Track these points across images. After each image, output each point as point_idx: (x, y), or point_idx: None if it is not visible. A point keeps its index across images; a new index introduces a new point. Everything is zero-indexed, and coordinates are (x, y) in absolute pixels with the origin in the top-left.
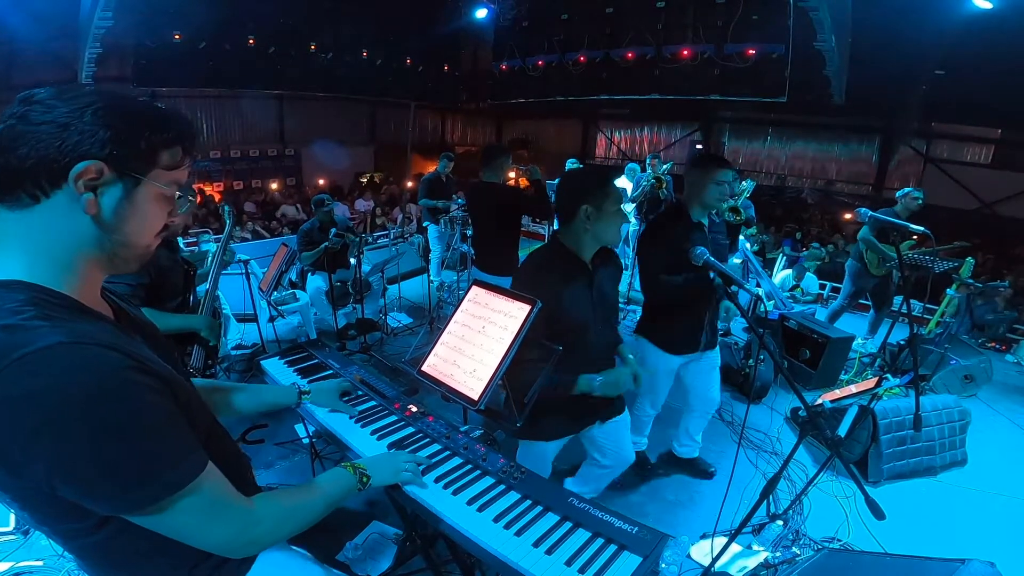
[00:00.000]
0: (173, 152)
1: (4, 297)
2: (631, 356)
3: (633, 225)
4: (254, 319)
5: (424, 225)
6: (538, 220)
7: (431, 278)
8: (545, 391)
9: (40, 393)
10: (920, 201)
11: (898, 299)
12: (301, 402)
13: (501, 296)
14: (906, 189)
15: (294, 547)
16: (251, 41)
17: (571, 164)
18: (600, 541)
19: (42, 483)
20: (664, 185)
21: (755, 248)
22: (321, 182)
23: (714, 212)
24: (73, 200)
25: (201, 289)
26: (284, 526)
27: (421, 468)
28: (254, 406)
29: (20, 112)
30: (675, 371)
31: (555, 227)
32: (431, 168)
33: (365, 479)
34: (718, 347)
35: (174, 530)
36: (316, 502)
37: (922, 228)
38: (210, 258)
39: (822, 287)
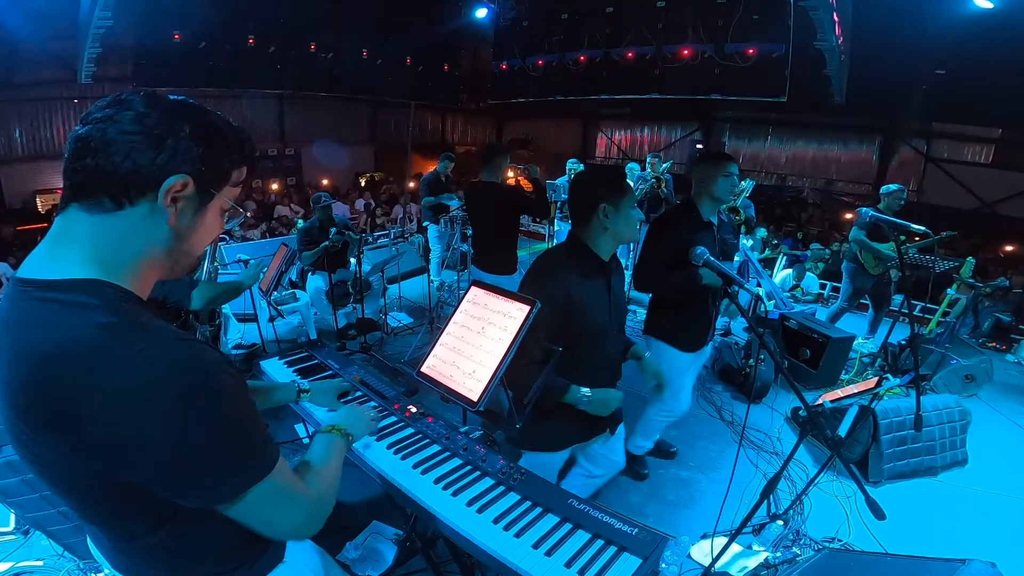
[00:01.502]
0: (241, 171)
1: (86, 294)
2: (648, 354)
3: None
4: (254, 319)
5: (424, 225)
6: (538, 220)
7: (431, 278)
8: (541, 394)
9: (158, 386)
10: (903, 199)
11: (898, 298)
12: (300, 400)
13: (500, 296)
14: (892, 188)
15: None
16: (251, 41)
17: (571, 164)
18: (600, 542)
19: (135, 478)
20: (664, 184)
21: (767, 253)
22: (325, 182)
23: (722, 212)
24: (155, 210)
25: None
26: (331, 500)
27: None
28: (260, 405)
29: (113, 115)
30: (691, 367)
31: (555, 227)
32: (431, 168)
33: (350, 438)
34: (709, 344)
35: (256, 519)
36: (335, 471)
37: (922, 228)
38: (206, 260)
39: (822, 287)
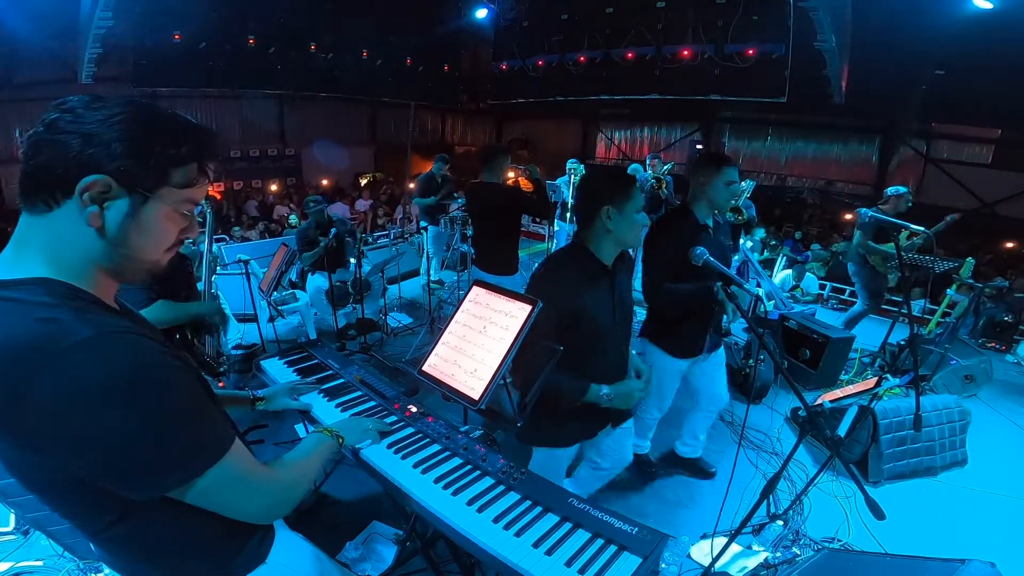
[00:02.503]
0: (187, 170)
1: (35, 291)
2: (635, 352)
3: None
4: (254, 319)
5: (423, 225)
6: (538, 220)
7: (430, 278)
8: (553, 397)
9: (89, 380)
10: (910, 202)
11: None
12: (255, 408)
13: (502, 296)
14: (901, 190)
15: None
16: (251, 41)
17: (571, 164)
18: (600, 542)
19: (81, 472)
20: (664, 185)
21: (766, 255)
22: (325, 183)
23: (718, 213)
24: (80, 211)
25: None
26: (302, 489)
27: (386, 434)
28: None
29: (50, 120)
30: (682, 373)
31: (555, 227)
32: (430, 168)
33: (341, 440)
34: (723, 346)
35: (215, 504)
36: (316, 465)
37: (922, 228)
38: (203, 258)
39: (822, 287)
